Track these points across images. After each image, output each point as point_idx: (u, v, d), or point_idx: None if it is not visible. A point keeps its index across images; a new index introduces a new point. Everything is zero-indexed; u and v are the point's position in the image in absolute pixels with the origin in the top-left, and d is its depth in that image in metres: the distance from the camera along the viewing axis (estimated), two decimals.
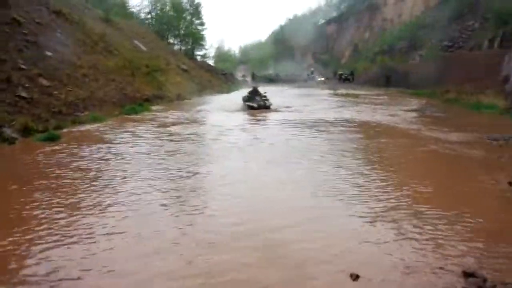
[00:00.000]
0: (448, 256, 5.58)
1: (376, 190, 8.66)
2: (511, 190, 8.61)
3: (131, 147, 12.77)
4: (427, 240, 6.12)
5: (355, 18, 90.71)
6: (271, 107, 25.61)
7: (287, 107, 26.76)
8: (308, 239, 6.16)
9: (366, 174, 10.01)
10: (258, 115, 22.20)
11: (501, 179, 9.44)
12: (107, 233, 6.27)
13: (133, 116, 19.66)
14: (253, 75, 72.06)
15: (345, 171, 10.29)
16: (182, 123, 18.51)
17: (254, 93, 26.22)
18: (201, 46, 63.89)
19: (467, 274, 4.89)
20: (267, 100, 25.85)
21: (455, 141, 14.72)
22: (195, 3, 62.09)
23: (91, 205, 7.49)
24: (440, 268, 5.15)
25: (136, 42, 36.23)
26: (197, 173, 9.86)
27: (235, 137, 15.26)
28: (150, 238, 6.16)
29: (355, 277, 4.91)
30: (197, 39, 61.63)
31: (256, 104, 25.09)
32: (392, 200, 7.93)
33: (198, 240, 6.09)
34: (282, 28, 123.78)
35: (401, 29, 67.99)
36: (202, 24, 62.96)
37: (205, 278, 5.04)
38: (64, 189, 8.35)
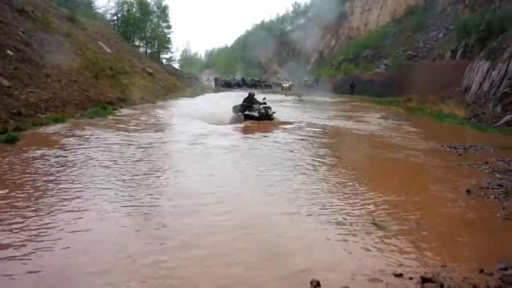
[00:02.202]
0: (405, 263, 5.60)
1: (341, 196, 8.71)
2: (469, 199, 8.73)
3: (87, 153, 12.05)
4: (385, 247, 6.13)
5: (322, 26, 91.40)
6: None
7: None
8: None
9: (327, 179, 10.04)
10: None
11: (460, 187, 9.58)
12: None
13: (96, 120, 19.16)
14: (216, 79, 70.75)
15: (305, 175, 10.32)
16: (146, 129, 18.17)
17: (251, 101, 21.53)
18: (167, 49, 63.44)
19: (424, 280, 4.91)
20: (269, 108, 21.52)
21: (415, 149, 14.89)
22: (162, 5, 61.70)
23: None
24: (399, 274, 5.16)
25: (101, 43, 35.75)
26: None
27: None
28: None
29: (316, 284, 4.86)
30: (163, 42, 61.14)
31: (256, 113, 20.51)
32: (347, 207, 7.94)
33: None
34: (248, 33, 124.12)
35: (367, 38, 68.92)
36: (169, 27, 62.62)
37: None
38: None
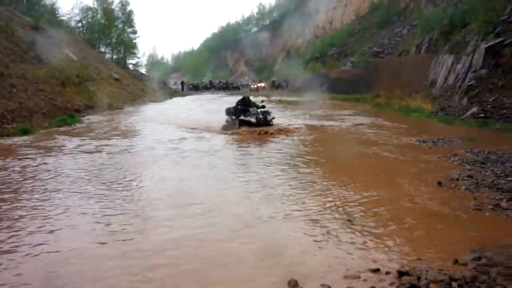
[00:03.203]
0: (381, 258, 5.63)
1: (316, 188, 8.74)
2: (440, 191, 8.84)
3: (54, 163, 11.81)
4: (361, 243, 6.17)
5: (287, 26, 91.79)
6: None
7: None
8: None
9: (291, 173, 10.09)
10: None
11: (430, 179, 9.70)
12: None
13: (64, 128, 18.86)
14: (182, 83, 69.73)
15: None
16: (114, 136, 17.95)
17: (246, 104, 19.05)
18: (133, 54, 62.67)
19: (401, 273, 4.94)
20: (268, 113, 18.97)
21: (386, 144, 15.04)
22: (127, 11, 60.97)
23: None
24: (376, 270, 5.19)
25: (66, 51, 35.31)
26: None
27: None
28: None
29: (294, 284, 4.85)
30: (129, 48, 60.52)
31: (254, 119, 18.06)
32: (322, 205, 7.97)
33: None
34: (215, 35, 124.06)
35: (333, 36, 69.34)
36: (134, 32, 61.90)
37: None
38: None
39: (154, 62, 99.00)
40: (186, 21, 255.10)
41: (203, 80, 76.72)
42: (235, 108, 18.94)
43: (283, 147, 14.86)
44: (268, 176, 10.47)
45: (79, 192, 8.76)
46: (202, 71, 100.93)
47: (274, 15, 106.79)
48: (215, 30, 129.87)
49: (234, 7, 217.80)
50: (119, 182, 9.68)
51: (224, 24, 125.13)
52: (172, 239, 6.31)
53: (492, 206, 7.58)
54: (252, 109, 18.63)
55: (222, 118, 19.41)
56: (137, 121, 23.17)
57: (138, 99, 38.94)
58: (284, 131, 18.28)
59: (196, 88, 68.79)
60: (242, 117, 18.20)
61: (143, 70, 68.04)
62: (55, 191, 8.80)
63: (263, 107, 19.15)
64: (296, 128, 19.27)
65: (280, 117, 22.05)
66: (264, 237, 6.47)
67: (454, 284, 4.66)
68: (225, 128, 18.70)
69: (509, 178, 9.48)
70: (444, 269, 5.10)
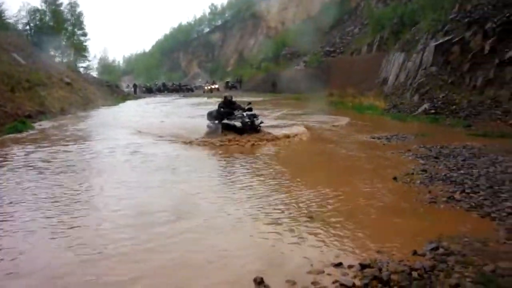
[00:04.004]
0: (343, 252, 5.72)
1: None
2: (396, 186, 9.01)
3: (5, 173, 11.64)
4: (323, 239, 6.23)
5: (240, 26, 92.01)
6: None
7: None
8: None
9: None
10: None
11: (385, 175, 9.89)
12: None
13: (16, 135, 18.26)
14: (135, 86, 69.17)
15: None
16: (69, 142, 17.58)
17: (230, 105, 17.39)
18: (84, 57, 61.50)
19: (363, 266, 5.07)
20: (255, 117, 16.84)
21: (341, 142, 15.28)
22: (76, 12, 59.72)
23: None
24: (339, 264, 5.26)
25: (14, 55, 34.43)
26: None
27: None
28: None
29: (259, 281, 4.87)
30: (79, 51, 59.35)
31: (239, 123, 16.10)
32: (283, 203, 8.03)
33: None
34: (167, 37, 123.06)
35: (285, 36, 69.66)
36: (84, 34, 60.66)
37: None
38: None
39: (105, 65, 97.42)
40: (137, 22, 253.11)
41: (156, 83, 75.83)
42: (217, 111, 17.22)
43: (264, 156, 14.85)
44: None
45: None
46: (155, 73, 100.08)
47: (226, 15, 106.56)
48: (167, 32, 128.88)
49: (186, 7, 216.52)
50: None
51: (176, 25, 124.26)
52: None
53: (446, 198, 7.82)
54: (237, 112, 16.78)
55: (181, 121, 19.11)
56: (90, 126, 22.62)
57: (91, 103, 38.25)
58: (284, 138, 16.30)
59: (150, 91, 68.00)
60: (226, 121, 16.39)
61: (94, 74, 66.85)
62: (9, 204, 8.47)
63: (250, 109, 17.16)
64: (296, 135, 17.21)
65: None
66: (229, 238, 6.49)
67: (414, 273, 4.81)
68: (209, 135, 16.92)
69: (462, 171, 9.79)
70: (404, 260, 5.25)
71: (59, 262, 5.68)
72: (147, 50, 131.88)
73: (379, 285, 4.65)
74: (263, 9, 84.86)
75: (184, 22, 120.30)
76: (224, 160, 13.01)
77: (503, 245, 5.63)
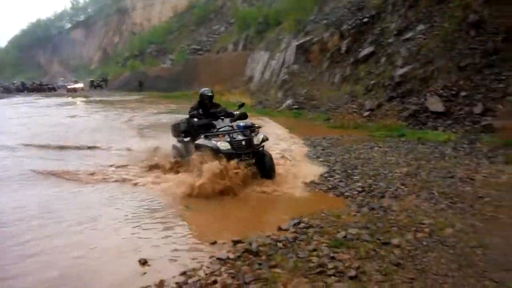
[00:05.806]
0: (217, 234, 6.16)
1: None
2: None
3: None
4: (199, 224, 6.89)
5: (103, 22, 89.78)
6: None
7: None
8: None
9: None
10: None
11: None
12: None
13: None
14: None
15: None
16: None
17: (209, 109, 9.77)
18: None
19: (236, 242, 5.61)
20: (253, 130, 8.87)
21: None
22: None
23: None
24: (214, 242, 5.72)
25: None
26: None
27: None
28: None
29: (144, 262, 5.20)
30: None
31: (226, 144, 8.41)
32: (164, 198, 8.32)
33: None
34: (24, 32, 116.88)
35: (151, 33, 69.14)
36: None
37: None
38: None
39: None
40: None
41: (14, 82, 71.62)
42: (188, 121, 9.96)
43: None
44: None
45: None
46: (10, 71, 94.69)
47: (89, 10, 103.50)
48: (25, 27, 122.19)
49: (46, 1, 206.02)
50: None
51: (34, 20, 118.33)
52: None
53: (308, 183, 8.60)
54: (221, 122, 9.23)
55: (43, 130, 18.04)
56: None
57: None
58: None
59: (8, 91, 63.96)
60: (201, 140, 8.76)
61: None
62: None
63: (244, 115, 9.70)
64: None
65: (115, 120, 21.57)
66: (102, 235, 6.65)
67: (279, 244, 5.49)
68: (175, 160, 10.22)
69: (321, 159, 10.65)
70: (271, 235, 5.84)
71: None
72: (2, 46, 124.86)
73: (250, 256, 5.19)
74: (128, 4, 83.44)
75: (43, 17, 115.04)
76: None
77: (354, 217, 6.45)
